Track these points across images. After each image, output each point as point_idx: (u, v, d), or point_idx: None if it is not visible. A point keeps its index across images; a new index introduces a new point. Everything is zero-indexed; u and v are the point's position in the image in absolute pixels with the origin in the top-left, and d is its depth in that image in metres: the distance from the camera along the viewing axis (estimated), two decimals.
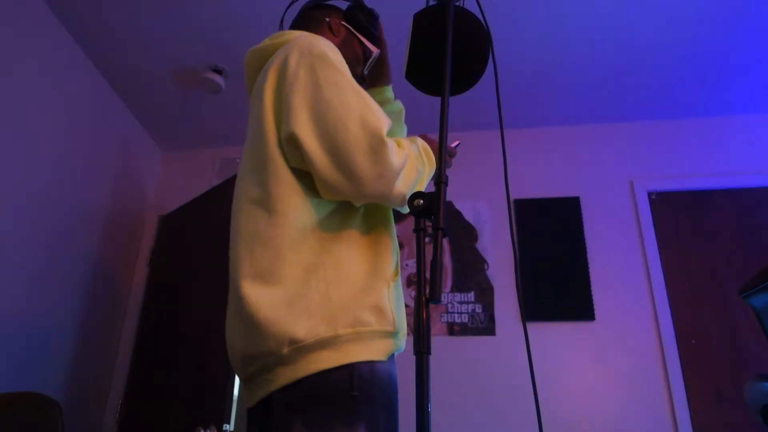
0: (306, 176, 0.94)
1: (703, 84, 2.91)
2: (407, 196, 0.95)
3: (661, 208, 2.97)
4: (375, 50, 1.28)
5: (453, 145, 1.22)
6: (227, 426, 2.15)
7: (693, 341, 2.66)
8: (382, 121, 0.91)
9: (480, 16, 1.32)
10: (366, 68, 1.28)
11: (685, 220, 2.93)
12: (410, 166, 0.96)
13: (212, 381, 2.26)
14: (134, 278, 3.16)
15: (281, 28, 1.37)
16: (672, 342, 2.64)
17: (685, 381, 2.57)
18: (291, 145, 0.93)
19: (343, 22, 1.25)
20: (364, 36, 1.27)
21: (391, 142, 0.91)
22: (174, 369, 2.49)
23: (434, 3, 1.18)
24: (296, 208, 0.92)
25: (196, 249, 2.72)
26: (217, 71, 2.80)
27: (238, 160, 3.38)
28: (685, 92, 2.97)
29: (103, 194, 2.89)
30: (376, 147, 0.88)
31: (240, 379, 0.95)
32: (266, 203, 0.93)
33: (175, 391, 2.42)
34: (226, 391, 2.21)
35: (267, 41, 1.11)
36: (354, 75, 1.23)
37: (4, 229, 2.23)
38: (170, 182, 3.45)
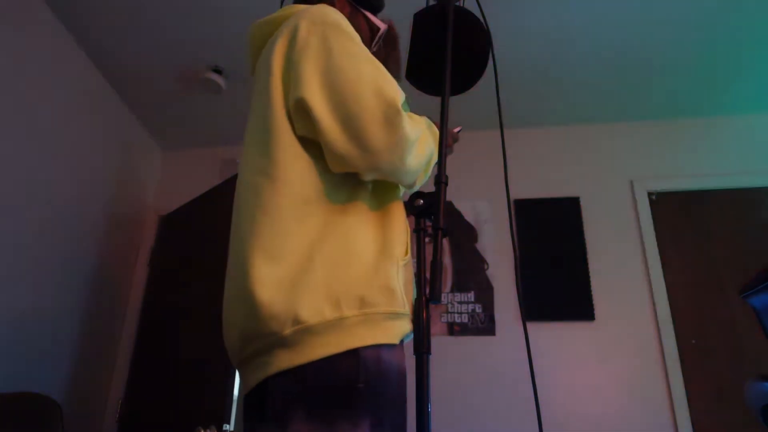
0: (314, 146, 0.89)
1: (703, 84, 2.91)
2: (418, 173, 0.92)
3: (661, 208, 2.97)
4: (382, 25, 1.22)
5: (455, 130, 1.21)
6: (227, 426, 2.15)
7: (693, 341, 2.66)
8: (397, 91, 0.86)
9: (480, 16, 1.32)
10: (374, 45, 1.23)
11: (685, 220, 2.93)
12: (423, 140, 0.93)
13: (212, 381, 2.26)
14: (134, 278, 3.16)
15: (281, 3, 1.32)
16: (672, 342, 2.64)
17: (685, 381, 2.57)
18: (299, 112, 0.87)
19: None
20: (369, 11, 1.22)
21: (405, 113, 0.86)
22: (174, 369, 2.49)
23: (434, 3, 1.18)
24: (302, 177, 0.87)
25: (196, 249, 2.72)
26: (217, 71, 2.80)
27: (238, 160, 3.38)
28: (685, 92, 2.97)
29: (103, 194, 2.89)
30: (391, 116, 0.83)
31: (235, 364, 0.89)
32: (270, 171, 0.87)
33: (175, 391, 2.42)
34: (226, 391, 2.21)
35: (274, 15, 1.06)
36: None
37: (4, 229, 2.23)
38: (170, 182, 3.45)
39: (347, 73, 0.85)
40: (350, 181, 0.91)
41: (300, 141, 0.89)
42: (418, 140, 0.90)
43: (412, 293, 0.93)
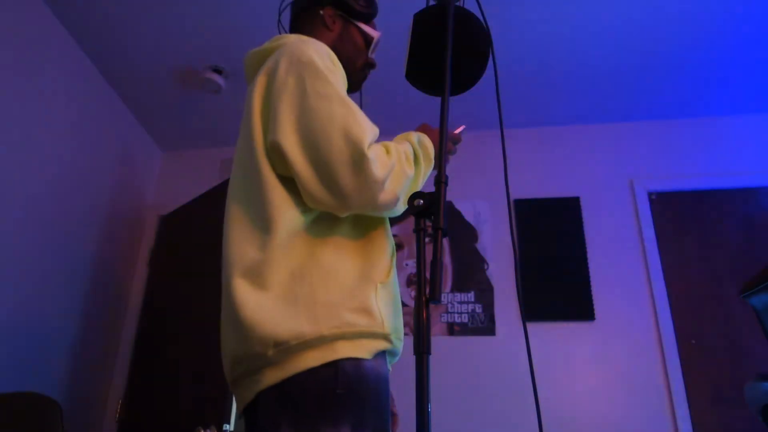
0: (292, 183, 0.94)
1: (703, 84, 2.91)
2: (397, 203, 0.95)
3: (661, 208, 2.97)
4: (375, 34, 1.25)
5: (457, 131, 1.21)
6: (227, 426, 2.15)
7: (693, 341, 2.66)
8: (366, 132, 0.90)
9: (480, 16, 1.32)
10: (371, 53, 1.25)
11: (685, 220, 2.94)
12: (397, 173, 0.94)
13: (212, 381, 2.26)
14: (134, 278, 3.16)
15: (279, 27, 1.36)
16: (672, 342, 2.64)
17: (685, 381, 2.57)
18: (276, 154, 0.93)
19: (338, 12, 1.22)
20: (361, 21, 1.24)
21: (374, 153, 0.90)
22: (174, 369, 2.49)
23: (434, 3, 1.18)
24: (284, 214, 0.92)
25: (196, 249, 2.72)
26: (217, 71, 2.80)
27: None
28: (685, 92, 2.97)
29: (103, 194, 2.90)
30: (358, 160, 0.88)
31: (228, 383, 0.95)
32: (255, 208, 0.94)
33: (175, 391, 2.42)
34: (226, 391, 2.21)
35: (266, 45, 1.11)
36: (354, 69, 1.22)
37: (5, 229, 2.23)
38: (170, 182, 3.45)
39: (319, 115, 0.91)
40: (330, 215, 0.96)
41: (280, 179, 0.94)
42: (391, 176, 0.93)
43: (401, 309, 0.98)
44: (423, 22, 1.17)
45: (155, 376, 2.58)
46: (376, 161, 0.90)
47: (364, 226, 1.00)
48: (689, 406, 2.52)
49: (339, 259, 0.92)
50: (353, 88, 1.25)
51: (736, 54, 2.71)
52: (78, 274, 2.68)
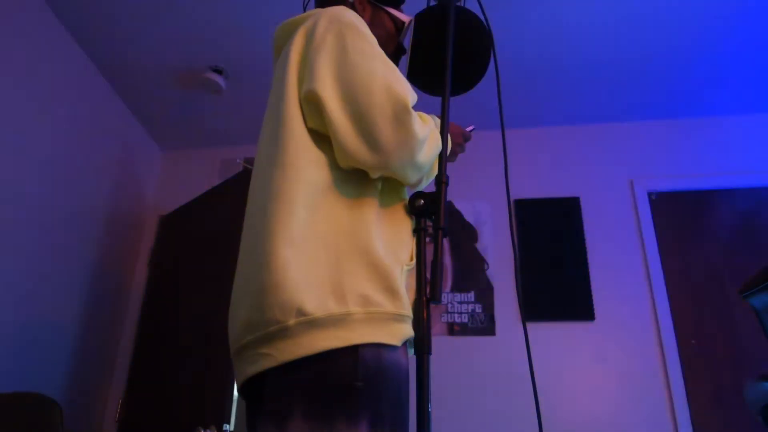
0: (324, 139, 0.90)
1: (702, 84, 2.91)
2: (425, 171, 0.92)
3: (661, 208, 2.97)
4: (406, 18, 1.23)
5: (468, 129, 1.21)
6: (227, 426, 2.15)
7: (693, 341, 2.66)
8: (408, 90, 0.86)
9: (481, 16, 1.32)
10: (402, 37, 1.23)
11: (685, 220, 2.94)
12: (432, 139, 0.92)
13: (212, 381, 2.26)
14: (134, 278, 3.16)
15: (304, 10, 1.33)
16: (672, 342, 2.64)
17: (685, 381, 2.57)
18: (311, 105, 0.88)
19: None
20: (390, 6, 1.22)
21: (414, 113, 0.87)
22: (174, 369, 2.49)
23: (435, 3, 1.18)
24: (311, 165, 0.87)
25: (196, 249, 2.72)
26: (218, 71, 2.80)
27: (238, 160, 3.39)
28: (684, 92, 2.97)
29: (103, 194, 2.89)
30: (401, 114, 0.83)
31: (232, 351, 0.87)
32: (280, 159, 0.87)
33: (175, 391, 2.42)
34: (226, 391, 2.21)
35: (296, 17, 1.07)
36: (389, 51, 1.19)
37: (5, 229, 2.23)
38: (170, 182, 3.45)
39: (360, 70, 0.86)
40: (359, 177, 0.91)
41: (310, 133, 0.89)
42: (428, 139, 0.90)
43: (413, 298, 0.92)
44: (424, 23, 1.17)
45: (155, 376, 2.58)
46: (417, 119, 0.87)
47: (389, 197, 0.95)
48: (689, 406, 2.52)
49: (368, 228, 0.86)
50: None
51: (736, 54, 2.71)
52: (78, 274, 2.68)
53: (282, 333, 0.77)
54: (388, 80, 0.85)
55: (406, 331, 0.83)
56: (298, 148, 0.87)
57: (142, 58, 2.77)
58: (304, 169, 0.86)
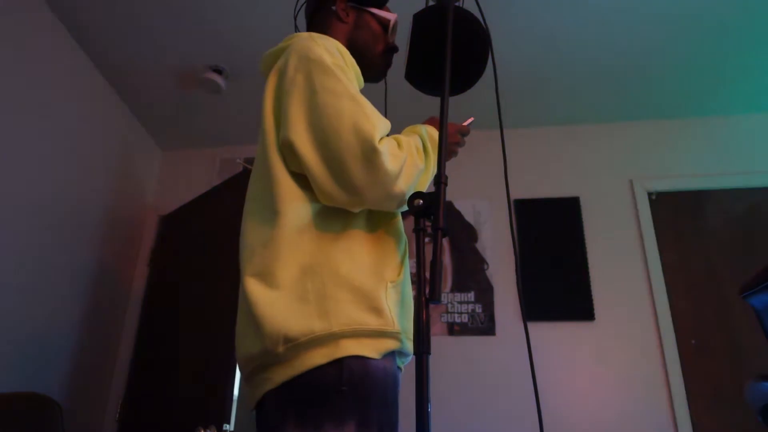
0: (304, 179, 0.95)
1: (702, 84, 2.91)
2: (407, 197, 0.94)
3: (661, 208, 2.97)
4: (391, 16, 1.24)
5: (466, 123, 1.21)
6: (227, 426, 2.15)
7: (693, 341, 2.66)
8: (376, 126, 0.90)
9: (479, 16, 1.32)
10: (389, 36, 1.24)
11: (685, 220, 2.94)
12: (409, 166, 0.94)
13: (212, 381, 2.26)
14: (134, 278, 3.16)
15: (295, 25, 1.37)
16: (672, 342, 2.64)
17: (685, 381, 2.57)
18: (288, 151, 0.93)
19: (349, 3, 1.21)
20: (374, 7, 1.23)
21: (386, 146, 0.90)
22: (174, 369, 2.49)
23: (433, 3, 1.18)
24: (295, 210, 0.92)
25: (196, 249, 2.72)
26: (217, 71, 2.80)
27: (238, 160, 3.39)
28: (685, 92, 2.97)
29: (103, 194, 2.90)
30: (369, 155, 0.88)
31: (242, 377, 0.96)
32: (267, 204, 0.94)
33: (175, 391, 2.42)
34: (226, 391, 2.21)
35: (279, 44, 1.11)
36: (375, 55, 1.21)
37: (4, 229, 2.23)
38: (170, 182, 3.45)
39: (328, 111, 0.91)
40: (342, 211, 0.96)
41: (292, 176, 0.95)
42: (403, 168, 0.93)
43: (412, 309, 0.97)
44: (422, 23, 1.17)
45: (155, 376, 2.58)
46: (387, 154, 0.90)
47: (375, 222, 1.00)
48: (689, 406, 2.52)
49: (350, 256, 0.92)
50: (378, 75, 1.24)
51: (736, 54, 2.70)
52: (78, 274, 2.68)
53: (275, 359, 0.85)
54: (355, 119, 0.89)
55: (390, 344, 0.88)
56: (285, 195, 0.93)
57: (142, 58, 2.77)
58: (292, 213, 0.92)
